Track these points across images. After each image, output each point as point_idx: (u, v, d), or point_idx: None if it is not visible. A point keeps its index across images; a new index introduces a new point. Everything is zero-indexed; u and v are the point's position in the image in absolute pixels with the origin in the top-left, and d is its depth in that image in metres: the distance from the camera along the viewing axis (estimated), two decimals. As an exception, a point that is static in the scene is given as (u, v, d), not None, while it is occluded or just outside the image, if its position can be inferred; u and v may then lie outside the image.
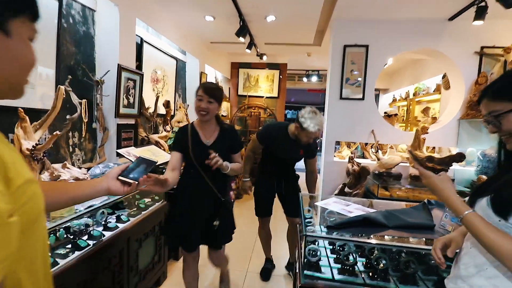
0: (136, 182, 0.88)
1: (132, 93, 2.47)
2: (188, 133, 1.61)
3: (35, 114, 1.73)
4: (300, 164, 2.37)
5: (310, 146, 2.15)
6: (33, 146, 1.52)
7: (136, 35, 2.62)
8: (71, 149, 2.13)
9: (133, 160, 0.99)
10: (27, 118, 1.54)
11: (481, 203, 0.85)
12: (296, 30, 3.56)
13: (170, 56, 3.58)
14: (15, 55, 0.47)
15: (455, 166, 2.86)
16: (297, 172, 2.36)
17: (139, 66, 2.85)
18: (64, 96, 1.71)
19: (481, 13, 2.29)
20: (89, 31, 2.25)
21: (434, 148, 3.36)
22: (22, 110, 1.51)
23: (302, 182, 2.34)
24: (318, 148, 2.45)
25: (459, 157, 2.58)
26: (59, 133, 1.57)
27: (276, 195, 2.34)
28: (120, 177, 0.86)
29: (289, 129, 2.11)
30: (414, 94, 4.84)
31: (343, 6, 2.69)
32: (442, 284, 1.13)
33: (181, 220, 1.60)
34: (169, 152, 2.83)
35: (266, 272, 2.40)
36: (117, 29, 2.29)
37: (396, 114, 4.75)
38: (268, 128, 2.29)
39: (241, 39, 3.18)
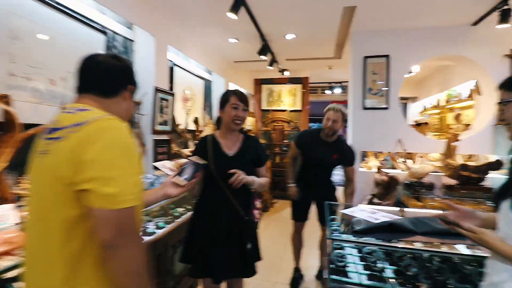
0: (186, 182, 1.05)
1: (165, 111, 2.70)
2: (208, 143, 1.48)
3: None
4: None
5: (345, 151, 2.22)
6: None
7: (168, 59, 2.89)
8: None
9: (168, 171, 1.22)
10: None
11: (503, 208, 0.86)
12: (316, 45, 3.67)
13: (197, 76, 3.85)
14: (128, 108, 0.90)
15: (493, 174, 2.69)
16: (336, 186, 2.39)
17: (171, 87, 3.11)
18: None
19: (505, 17, 2.24)
20: (128, 59, 2.54)
21: (470, 156, 3.20)
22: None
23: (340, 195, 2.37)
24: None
25: (497, 165, 2.44)
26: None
27: (312, 202, 2.36)
28: (173, 180, 1.06)
29: (321, 132, 2.24)
30: (446, 101, 4.66)
31: (361, 19, 2.76)
32: (477, 291, 1.10)
33: (201, 242, 1.43)
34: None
35: (295, 282, 2.40)
36: (152, 56, 2.56)
37: (426, 123, 4.59)
38: (302, 132, 2.54)
39: (263, 57, 3.35)
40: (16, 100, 1.52)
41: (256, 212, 1.54)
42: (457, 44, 2.86)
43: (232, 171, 1.36)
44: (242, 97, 1.49)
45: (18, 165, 1.66)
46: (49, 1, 1.75)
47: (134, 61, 2.59)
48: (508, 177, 0.92)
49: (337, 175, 2.43)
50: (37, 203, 0.73)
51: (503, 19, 2.28)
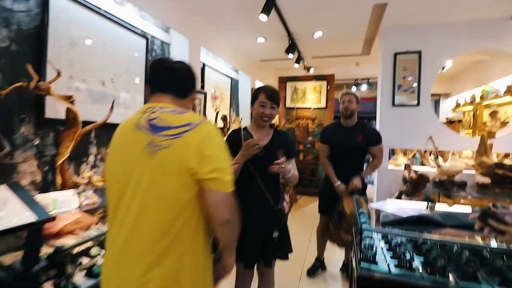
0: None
1: (198, 109, 2.87)
2: (241, 136, 1.50)
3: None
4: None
5: (368, 131, 2.27)
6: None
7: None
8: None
9: None
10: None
11: None
12: (344, 42, 3.67)
13: (225, 75, 4.01)
14: (191, 108, 1.10)
15: (533, 173, 2.57)
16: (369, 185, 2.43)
17: (202, 86, 3.28)
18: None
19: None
20: (165, 60, 2.74)
21: (508, 155, 3.06)
22: (124, 126, 1.94)
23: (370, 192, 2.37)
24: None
25: (536, 163, 2.34)
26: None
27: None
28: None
29: (340, 120, 2.33)
30: (481, 98, 4.44)
31: (392, 15, 2.74)
32: (507, 283, 1.12)
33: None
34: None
35: (313, 270, 2.49)
36: (187, 57, 2.74)
37: (460, 121, 4.40)
38: (323, 128, 2.57)
39: (290, 55, 3.42)
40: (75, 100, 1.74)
41: (284, 204, 1.59)
42: (495, 38, 2.75)
43: (278, 152, 1.50)
44: (270, 95, 1.51)
45: (77, 156, 1.89)
46: (99, 11, 1.97)
47: (170, 62, 2.78)
48: None
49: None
50: (146, 186, 0.87)
51: (547, 10, 2.17)
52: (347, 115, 2.25)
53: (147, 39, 2.43)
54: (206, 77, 3.42)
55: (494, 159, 2.71)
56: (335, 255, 2.73)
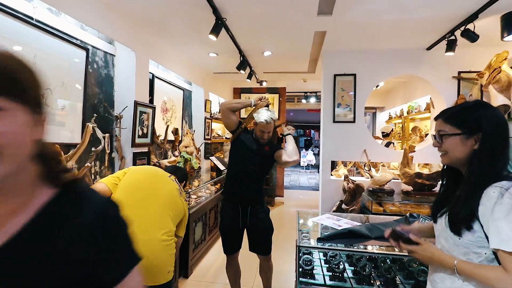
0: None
1: (146, 124, 2.77)
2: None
3: (64, 148, 2.02)
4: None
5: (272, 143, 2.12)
6: (67, 177, 1.78)
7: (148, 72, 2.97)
8: (93, 177, 2.39)
9: None
10: (62, 152, 1.82)
11: (440, 223, 0.97)
12: (291, 61, 3.92)
13: (177, 87, 3.94)
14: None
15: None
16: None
17: (151, 99, 3.18)
18: (92, 132, 2.00)
19: (451, 46, 2.60)
20: (109, 73, 2.59)
21: (427, 164, 3.58)
22: (58, 146, 1.79)
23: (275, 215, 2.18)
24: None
25: (445, 173, 2.79)
26: (89, 165, 1.84)
27: (242, 227, 2.05)
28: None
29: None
30: (407, 112, 5.13)
31: (331, 41, 3.04)
32: (419, 286, 1.33)
33: None
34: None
35: None
36: (133, 70, 2.64)
37: (392, 130, 5.04)
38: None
39: (242, 71, 3.53)
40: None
41: None
42: (414, 65, 3.23)
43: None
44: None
45: None
46: (29, 20, 1.80)
47: (115, 75, 2.65)
48: (441, 194, 1.06)
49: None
50: None
51: (449, 48, 2.64)
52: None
53: (87, 50, 2.28)
54: (155, 88, 3.32)
55: (416, 169, 3.16)
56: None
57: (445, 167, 1.05)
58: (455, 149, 0.93)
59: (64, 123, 2.12)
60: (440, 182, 1.11)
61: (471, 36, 2.35)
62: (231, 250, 2.10)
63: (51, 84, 1.98)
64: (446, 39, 2.67)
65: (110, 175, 1.53)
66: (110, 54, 2.60)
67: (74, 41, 2.16)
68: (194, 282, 2.65)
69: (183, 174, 1.80)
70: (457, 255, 0.90)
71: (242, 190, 2.00)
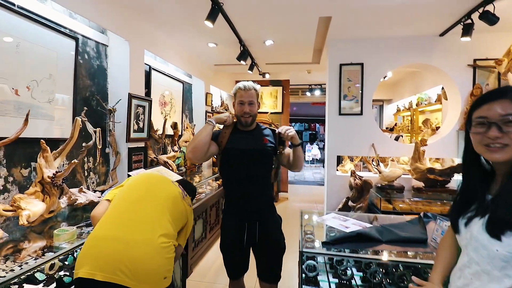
0: None
1: (141, 118, 2.65)
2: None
3: (53, 143, 1.90)
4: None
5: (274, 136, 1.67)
6: (53, 174, 1.67)
7: (145, 63, 2.83)
8: (86, 173, 2.28)
9: None
10: (48, 148, 1.70)
11: (469, 231, 0.80)
12: (294, 51, 3.73)
13: (176, 79, 3.79)
14: None
15: (458, 176, 2.88)
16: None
17: (148, 92, 3.04)
18: (81, 126, 1.88)
19: (467, 30, 2.40)
20: (102, 64, 2.46)
21: (438, 159, 3.39)
22: (43, 142, 1.67)
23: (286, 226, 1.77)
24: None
25: (460, 168, 2.61)
26: (76, 161, 1.72)
27: (248, 245, 1.62)
28: None
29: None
30: (416, 104, 4.91)
31: (337, 28, 2.84)
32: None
33: None
34: (177, 171, 2.98)
35: None
36: (127, 61, 2.50)
37: (396, 124, 4.83)
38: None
39: (243, 62, 3.36)
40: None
41: None
42: (426, 53, 3.03)
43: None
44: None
45: (-20, 181, 1.57)
46: (12, 7, 1.67)
47: (108, 67, 2.52)
48: (460, 194, 0.89)
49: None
50: None
51: (466, 32, 2.44)
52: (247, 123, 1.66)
53: (77, 39, 2.15)
54: (153, 81, 3.19)
55: (428, 164, 2.98)
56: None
57: (466, 161, 0.87)
58: None
59: (53, 117, 2.00)
60: (461, 180, 0.92)
61: (491, 19, 2.14)
62: (236, 273, 1.68)
63: (37, 76, 1.86)
64: (462, 23, 2.46)
65: (116, 186, 1.44)
66: (103, 44, 2.46)
67: (62, 30, 2.03)
68: (194, 282, 2.55)
69: (191, 189, 1.65)
70: (491, 269, 0.74)
71: (247, 201, 1.57)
